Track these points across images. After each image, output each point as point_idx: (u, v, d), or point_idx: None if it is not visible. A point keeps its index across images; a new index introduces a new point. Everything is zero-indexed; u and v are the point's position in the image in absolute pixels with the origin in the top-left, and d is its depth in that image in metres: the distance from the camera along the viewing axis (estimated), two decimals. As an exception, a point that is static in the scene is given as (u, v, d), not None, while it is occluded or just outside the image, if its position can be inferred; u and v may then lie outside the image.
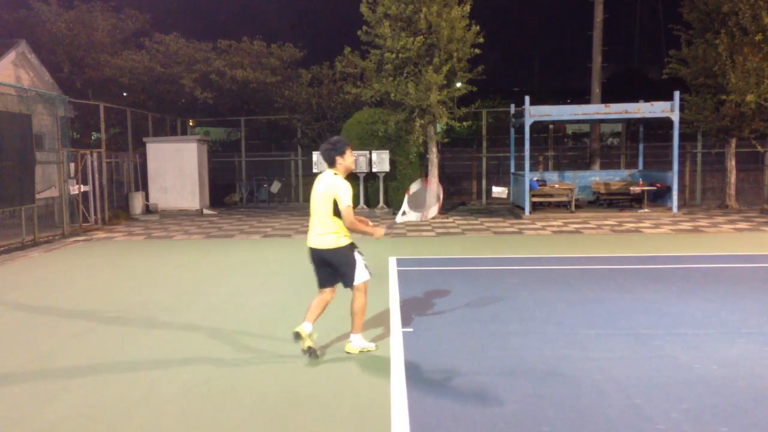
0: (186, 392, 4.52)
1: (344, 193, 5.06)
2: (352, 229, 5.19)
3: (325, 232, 5.18)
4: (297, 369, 4.96)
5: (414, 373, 4.74)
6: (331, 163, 5.28)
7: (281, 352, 5.39)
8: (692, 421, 3.86)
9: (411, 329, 5.91)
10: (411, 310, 6.63)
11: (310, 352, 5.17)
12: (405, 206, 5.66)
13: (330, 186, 5.15)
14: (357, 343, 5.35)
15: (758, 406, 4.08)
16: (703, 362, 4.88)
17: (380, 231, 5.38)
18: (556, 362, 4.94)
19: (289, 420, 4.02)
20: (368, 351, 5.34)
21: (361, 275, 5.26)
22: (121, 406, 4.28)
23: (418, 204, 5.72)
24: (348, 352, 5.32)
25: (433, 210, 5.68)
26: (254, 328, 6.17)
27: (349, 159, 5.29)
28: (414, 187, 5.77)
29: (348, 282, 5.27)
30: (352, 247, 5.27)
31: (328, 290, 5.36)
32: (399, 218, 5.61)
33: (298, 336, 5.16)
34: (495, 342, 5.50)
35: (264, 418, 4.07)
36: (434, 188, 5.72)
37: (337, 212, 5.13)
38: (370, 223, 5.42)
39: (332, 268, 5.27)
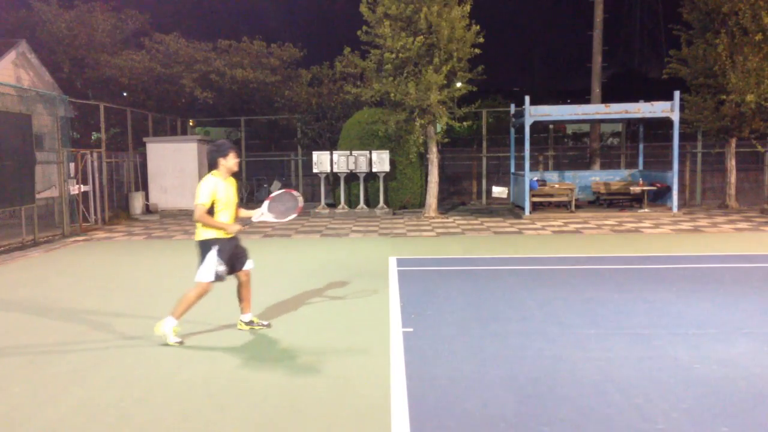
0: (186, 392, 4.52)
1: (201, 190, 5.51)
2: (202, 222, 5.54)
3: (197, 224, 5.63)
4: (297, 369, 4.96)
5: (414, 373, 4.74)
6: (214, 165, 5.66)
7: (280, 353, 5.39)
8: (692, 421, 3.86)
9: (411, 329, 5.90)
10: (411, 310, 6.63)
11: (263, 325, 6.01)
12: (264, 208, 5.86)
13: (198, 186, 5.58)
14: (165, 325, 5.59)
15: (758, 406, 4.08)
16: (703, 362, 4.88)
17: (234, 227, 5.66)
18: (556, 362, 4.94)
19: (289, 420, 4.02)
20: (167, 341, 5.57)
21: (203, 275, 5.57)
22: (121, 406, 4.28)
23: (276, 208, 5.98)
24: (154, 329, 5.64)
25: (292, 215, 5.94)
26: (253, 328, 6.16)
27: (232, 161, 5.66)
28: (275, 191, 6.00)
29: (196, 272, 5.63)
30: (211, 244, 5.57)
31: (240, 273, 5.84)
32: (255, 218, 5.84)
33: (248, 324, 5.94)
34: (495, 342, 5.50)
35: (264, 418, 4.07)
36: (295, 196, 5.99)
37: (209, 211, 5.54)
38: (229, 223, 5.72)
39: None
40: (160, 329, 5.59)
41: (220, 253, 5.57)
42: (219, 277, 5.62)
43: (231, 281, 5.91)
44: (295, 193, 6.08)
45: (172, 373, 4.93)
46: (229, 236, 5.66)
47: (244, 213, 5.90)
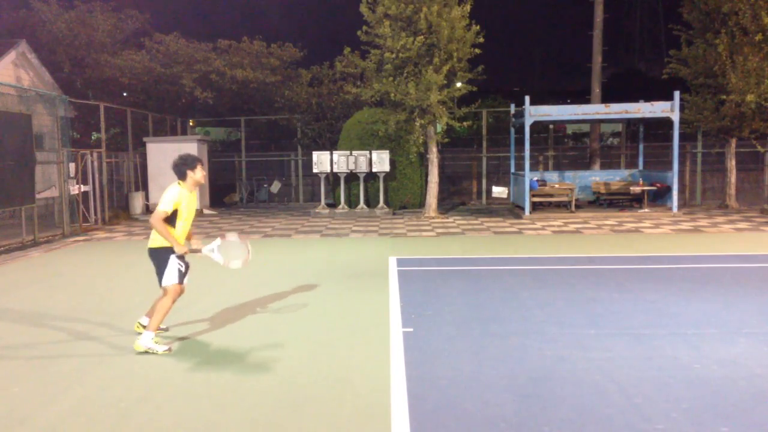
0: (186, 392, 4.52)
1: (166, 197, 5.51)
2: (157, 230, 5.46)
3: (153, 231, 5.58)
4: (297, 369, 4.96)
5: (414, 373, 4.74)
6: (182, 176, 5.65)
7: (280, 353, 5.39)
8: (692, 421, 3.86)
9: (411, 329, 5.90)
10: (411, 310, 6.63)
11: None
12: (215, 244, 5.78)
13: (164, 192, 5.58)
14: (144, 340, 5.41)
15: (758, 406, 4.08)
16: (703, 362, 4.88)
17: (180, 247, 5.52)
18: (556, 362, 4.94)
19: (289, 420, 4.02)
20: (153, 353, 5.35)
21: (168, 278, 5.52)
22: (121, 406, 4.28)
23: (227, 251, 5.92)
24: (134, 348, 5.41)
25: (236, 263, 5.86)
26: (253, 328, 6.17)
27: (199, 174, 5.69)
28: (232, 237, 5.92)
29: (159, 281, 5.58)
30: (169, 250, 5.50)
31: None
32: (205, 251, 5.75)
33: (144, 326, 5.66)
34: (495, 342, 5.50)
35: (264, 419, 4.07)
36: (248, 249, 5.92)
37: (168, 218, 5.48)
38: (178, 240, 5.56)
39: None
40: (140, 347, 5.38)
41: (179, 256, 5.54)
42: (182, 277, 5.56)
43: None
44: (249, 245, 5.87)
45: (171, 373, 4.93)
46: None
47: (196, 243, 5.80)
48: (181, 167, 5.62)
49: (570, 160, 21.64)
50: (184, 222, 5.61)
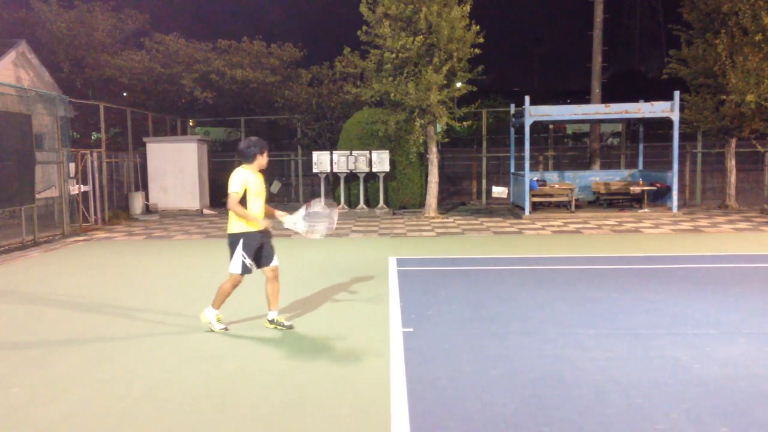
0: (186, 392, 4.52)
1: (233, 180, 5.80)
2: (233, 211, 5.79)
3: (229, 216, 5.94)
4: (297, 369, 4.96)
5: (414, 373, 4.74)
6: (251, 159, 5.92)
7: (280, 353, 5.39)
8: (692, 421, 3.86)
9: (411, 329, 5.90)
10: (411, 310, 6.63)
11: (283, 325, 6.07)
12: (299, 215, 5.93)
13: (230, 178, 5.85)
14: (208, 314, 6.06)
15: (758, 406, 4.08)
16: (703, 362, 4.88)
17: (260, 223, 5.88)
18: (556, 362, 4.94)
19: (289, 420, 4.02)
20: (212, 329, 6.01)
21: (233, 267, 5.90)
22: (121, 406, 4.28)
23: (310, 221, 6.10)
24: (200, 318, 6.12)
25: (317, 236, 6.05)
26: (252, 328, 6.17)
27: (266, 159, 6.03)
28: (317, 205, 6.11)
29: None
30: (239, 238, 5.83)
31: (265, 269, 6.04)
32: (287, 224, 5.94)
33: (271, 323, 6.09)
34: (495, 342, 5.50)
35: (264, 418, 4.07)
36: (331, 214, 6.13)
37: (240, 201, 5.79)
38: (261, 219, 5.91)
39: None
40: (204, 318, 6.05)
41: (245, 247, 5.83)
42: (246, 270, 5.89)
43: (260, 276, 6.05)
44: (336, 214, 6.26)
45: (172, 372, 4.94)
46: (257, 229, 5.87)
47: (278, 214, 6.15)
48: (252, 149, 5.92)
49: (570, 160, 21.65)
50: (259, 198, 5.92)
